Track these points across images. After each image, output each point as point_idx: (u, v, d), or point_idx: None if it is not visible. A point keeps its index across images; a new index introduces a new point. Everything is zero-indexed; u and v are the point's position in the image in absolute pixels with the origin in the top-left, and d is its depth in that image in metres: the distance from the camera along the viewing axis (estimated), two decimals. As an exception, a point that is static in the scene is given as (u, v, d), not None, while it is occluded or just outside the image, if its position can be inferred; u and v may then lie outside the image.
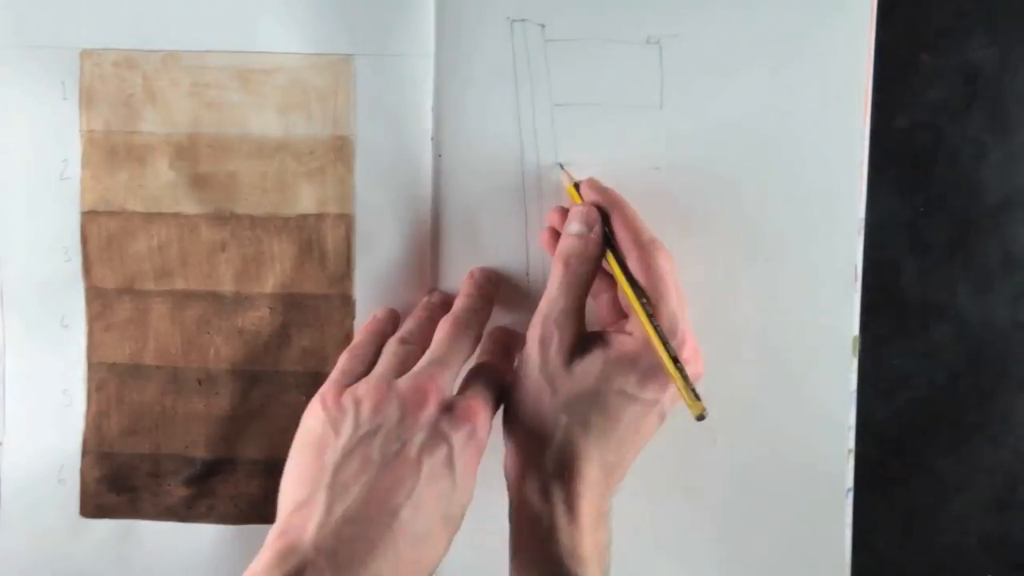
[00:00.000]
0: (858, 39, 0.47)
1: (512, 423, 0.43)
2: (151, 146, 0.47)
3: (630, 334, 0.42)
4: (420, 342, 0.43)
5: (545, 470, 0.41)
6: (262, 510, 0.48)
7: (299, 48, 0.47)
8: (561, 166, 0.47)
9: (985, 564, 0.52)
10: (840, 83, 0.47)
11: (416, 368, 0.41)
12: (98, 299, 0.48)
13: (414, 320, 0.45)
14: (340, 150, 0.47)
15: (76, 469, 0.49)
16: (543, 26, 0.47)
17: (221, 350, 0.48)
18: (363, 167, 0.47)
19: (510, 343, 0.46)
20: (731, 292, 0.48)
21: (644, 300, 0.41)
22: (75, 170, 0.47)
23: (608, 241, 0.43)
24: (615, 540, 0.44)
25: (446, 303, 0.46)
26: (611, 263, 0.43)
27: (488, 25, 0.47)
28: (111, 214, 0.48)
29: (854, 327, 0.48)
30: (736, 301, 0.48)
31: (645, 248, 0.42)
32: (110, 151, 0.47)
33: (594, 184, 0.45)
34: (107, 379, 0.48)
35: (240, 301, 0.48)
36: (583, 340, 0.43)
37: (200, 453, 0.48)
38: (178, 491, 0.48)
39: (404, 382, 0.41)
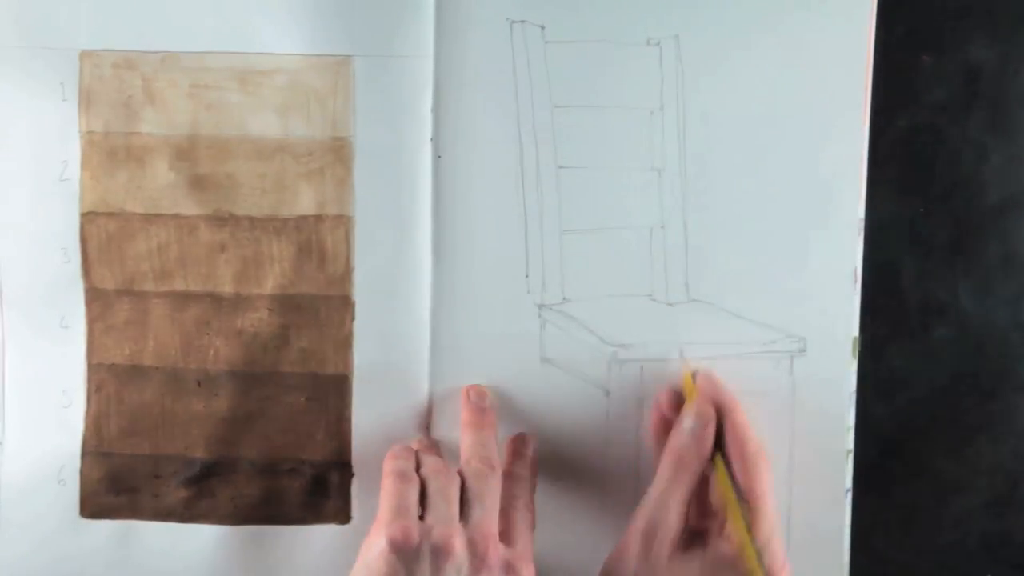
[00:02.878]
0: (858, 39, 0.47)
1: None
2: (150, 147, 0.47)
3: (728, 539, 0.43)
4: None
5: None
6: (261, 511, 0.48)
7: (298, 49, 0.47)
8: (681, 353, 0.47)
9: (985, 564, 0.52)
10: (840, 83, 0.47)
11: (475, 519, 0.41)
12: (98, 300, 0.48)
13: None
14: (339, 151, 0.47)
15: (76, 470, 0.49)
16: (543, 27, 0.47)
17: (220, 351, 0.48)
18: (362, 168, 0.47)
19: (525, 451, 0.47)
20: (731, 292, 0.48)
21: (744, 509, 0.42)
22: (74, 171, 0.47)
23: (718, 443, 0.44)
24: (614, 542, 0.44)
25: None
26: (717, 467, 0.43)
27: (488, 26, 0.46)
28: (110, 215, 0.48)
29: (854, 327, 0.48)
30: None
31: (751, 460, 0.43)
32: (109, 152, 0.47)
33: (712, 380, 0.45)
34: (107, 380, 0.48)
35: (239, 302, 0.48)
36: (685, 536, 0.43)
37: (199, 454, 0.48)
38: (178, 492, 0.48)
39: (472, 532, 0.41)
